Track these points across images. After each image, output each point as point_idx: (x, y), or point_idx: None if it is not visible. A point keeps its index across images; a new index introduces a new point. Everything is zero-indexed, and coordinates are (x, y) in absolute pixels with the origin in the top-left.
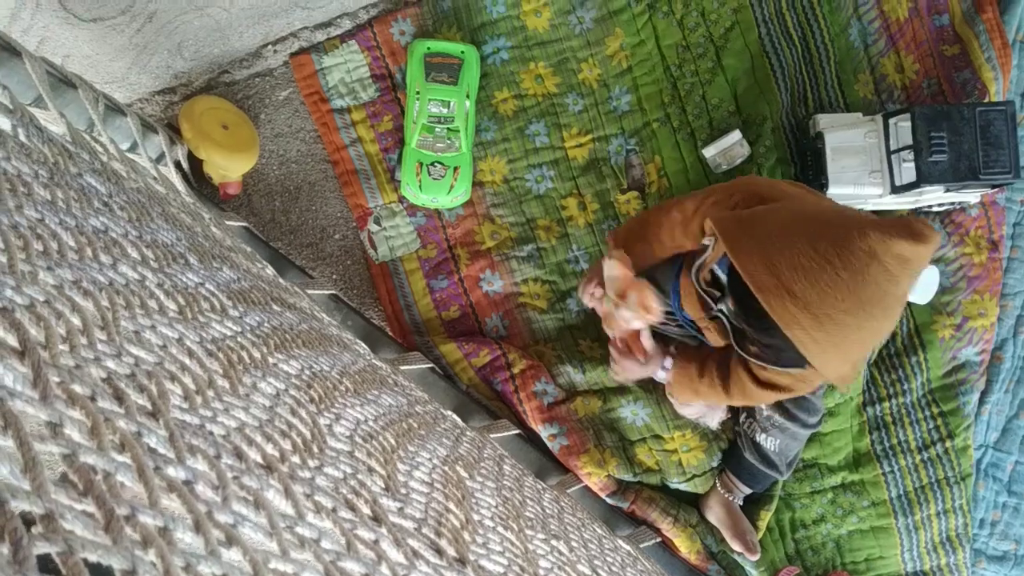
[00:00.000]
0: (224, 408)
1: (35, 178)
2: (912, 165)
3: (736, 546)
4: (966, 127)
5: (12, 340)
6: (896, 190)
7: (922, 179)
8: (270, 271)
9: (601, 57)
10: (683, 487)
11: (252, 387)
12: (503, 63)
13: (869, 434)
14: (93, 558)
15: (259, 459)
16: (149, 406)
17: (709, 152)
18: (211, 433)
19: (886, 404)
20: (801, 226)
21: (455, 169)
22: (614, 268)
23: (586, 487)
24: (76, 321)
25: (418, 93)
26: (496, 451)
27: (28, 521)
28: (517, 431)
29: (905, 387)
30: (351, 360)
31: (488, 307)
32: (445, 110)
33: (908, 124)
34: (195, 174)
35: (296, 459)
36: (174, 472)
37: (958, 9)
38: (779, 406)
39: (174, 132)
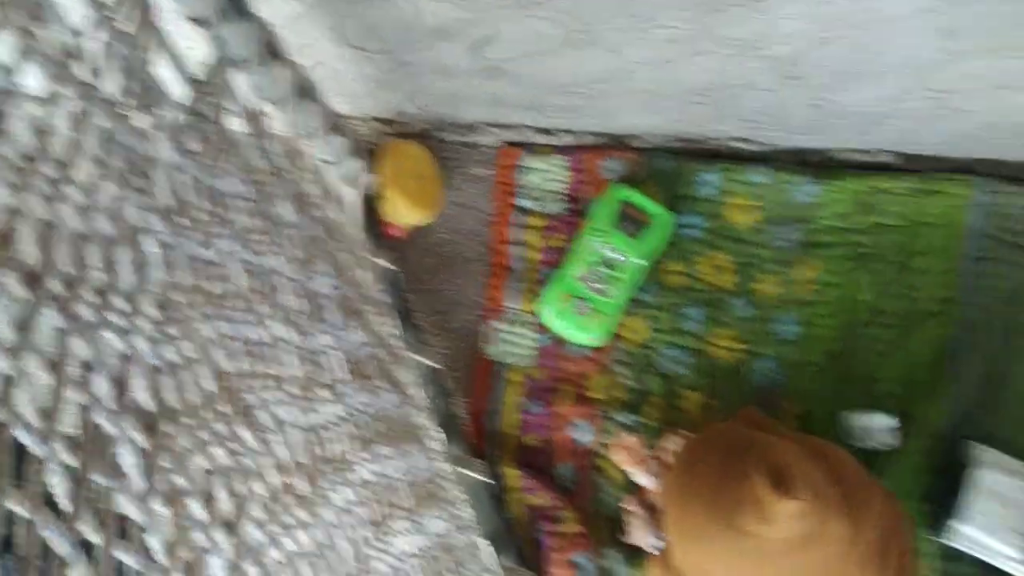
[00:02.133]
0: (286, 527)
1: (238, 199)
2: None
3: None
4: None
5: (150, 404)
6: None
7: None
8: (394, 328)
9: (787, 278)
10: None
11: (323, 497)
12: (691, 240)
13: None
14: None
15: None
16: (233, 513)
17: (852, 421)
18: (264, 564)
19: None
20: (735, 439)
21: (600, 313)
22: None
23: None
24: (211, 387)
25: (599, 231)
26: None
27: None
28: None
29: None
30: (423, 466)
31: (567, 454)
32: (617, 257)
33: None
34: (368, 202)
35: None
36: None
37: None
38: None
39: (370, 158)
